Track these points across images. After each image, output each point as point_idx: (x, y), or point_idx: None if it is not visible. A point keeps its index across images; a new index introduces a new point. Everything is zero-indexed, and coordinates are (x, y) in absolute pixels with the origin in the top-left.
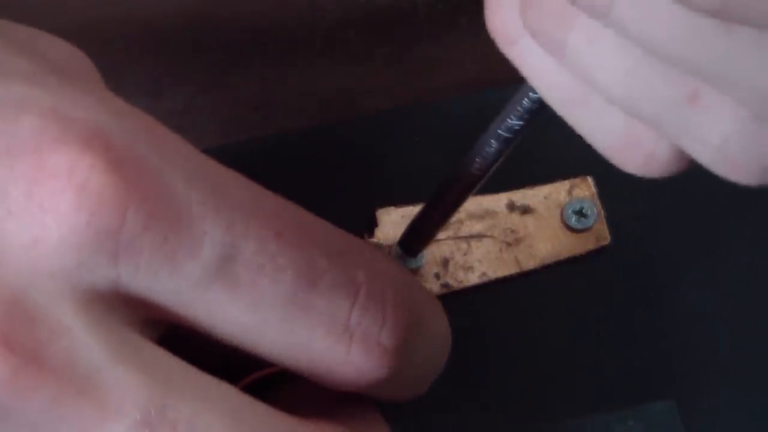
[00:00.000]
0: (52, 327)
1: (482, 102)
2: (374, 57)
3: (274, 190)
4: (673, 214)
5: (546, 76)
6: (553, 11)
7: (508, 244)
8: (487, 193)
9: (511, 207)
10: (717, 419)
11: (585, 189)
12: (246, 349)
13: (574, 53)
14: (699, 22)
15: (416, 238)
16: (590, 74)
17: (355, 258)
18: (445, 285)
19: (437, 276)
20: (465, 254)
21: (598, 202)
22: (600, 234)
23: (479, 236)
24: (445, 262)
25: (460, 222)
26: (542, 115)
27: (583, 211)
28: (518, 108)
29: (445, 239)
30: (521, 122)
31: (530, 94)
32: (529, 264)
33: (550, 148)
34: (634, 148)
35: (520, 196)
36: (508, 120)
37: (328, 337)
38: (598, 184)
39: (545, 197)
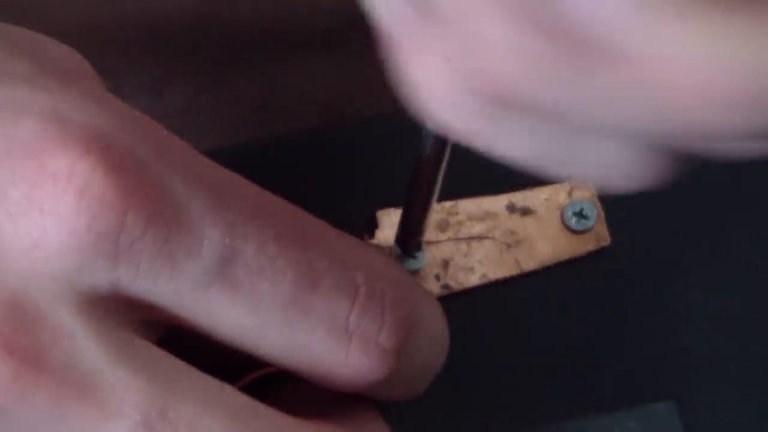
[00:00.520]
0: (52, 329)
1: None
2: (374, 57)
3: (274, 192)
4: (673, 215)
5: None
6: None
7: (509, 246)
8: (487, 194)
9: (512, 208)
10: (717, 420)
11: (585, 190)
12: (246, 350)
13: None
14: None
15: (407, 236)
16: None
17: (355, 259)
18: (446, 286)
19: (437, 277)
20: (465, 255)
21: (598, 204)
22: (600, 235)
23: (479, 238)
24: (446, 264)
25: (460, 223)
26: None
27: (583, 212)
28: None
29: (445, 241)
30: None
31: None
32: (530, 265)
33: None
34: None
35: (520, 197)
36: None
37: (327, 338)
38: None
39: (545, 199)
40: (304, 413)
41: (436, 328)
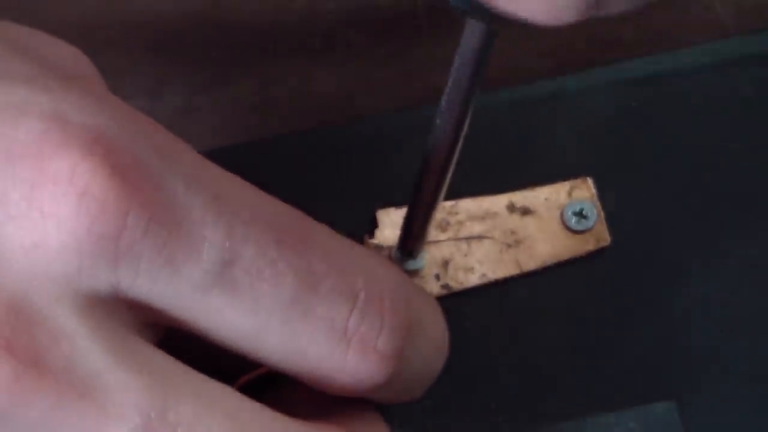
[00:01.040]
0: (52, 331)
1: (482, 103)
2: (374, 57)
3: (274, 192)
4: (673, 215)
5: None
6: None
7: (509, 246)
8: (487, 194)
9: (511, 208)
10: (717, 420)
11: (585, 190)
12: (245, 353)
13: None
14: None
15: (410, 238)
16: None
17: (354, 263)
18: (445, 286)
19: (437, 277)
20: (465, 255)
21: (598, 204)
22: (600, 235)
23: (479, 237)
24: (446, 264)
25: (461, 223)
26: (472, 88)
27: (583, 212)
28: (449, 79)
29: (445, 240)
30: (450, 92)
31: (457, 65)
32: (530, 265)
33: (550, 149)
34: None
35: (521, 197)
36: (445, 94)
37: (325, 342)
38: (598, 185)
39: (545, 198)
40: (303, 414)
41: (435, 331)
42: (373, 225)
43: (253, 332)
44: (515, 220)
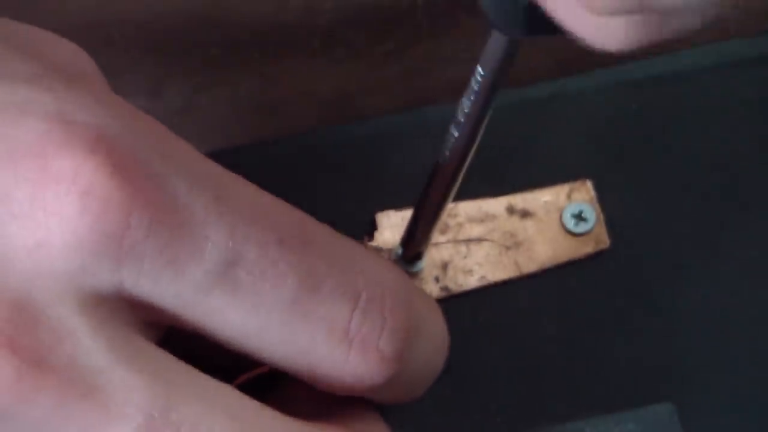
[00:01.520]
0: (55, 330)
1: None
2: (374, 56)
3: (274, 192)
4: (673, 218)
5: None
6: None
7: (508, 248)
8: (486, 196)
9: (511, 211)
10: (716, 422)
11: (584, 193)
12: (247, 352)
13: None
14: None
15: (412, 242)
16: None
17: (356, 264)
18: (445, 288)
19: (437, 279)
20: (464, 258)
21: (597, 206)
22: (599, 238)
23: (479, 240)
24: (445, 266)
25: (460, 225)
26: (492, 95)
27: (583, 214)
28: (469, 90)
29: (444, 243)
30: (470, 104)
31: (478, 76)
32: (529, 267)
33: (550, 152)
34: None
35: (520, 199)
36: (463, 103)
37: (327, 342)
38: (598, 187)
39: (545, 201)
40: (303, 413)
41: (436, 332)
42: (372, 227)
43: (255, 332)
44: (514, 223)
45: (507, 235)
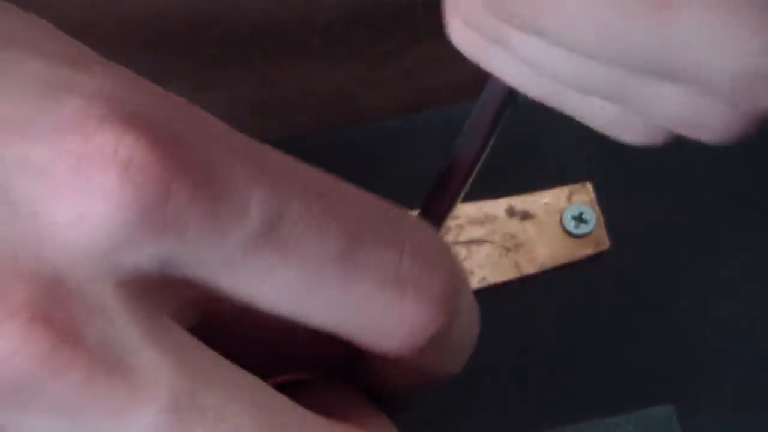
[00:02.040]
0: (89, 306)
1: None
2: (374, 56)
3: None
4: (672, 220)
5: (518, 78)
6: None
7: (508, 250)
8: (486, 198)
9: (511, 212)
10: (716, 424)
11: (584, 195)
12: (297, 318)
13: (526, 56)
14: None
15: None
16: (547, 72)
17: (394, 214)
18: None
19: None
20: (465, 259)
21: (597, 208)
22: (599, 239)
23: (479, 241)
24: None
25: (460, 227)
26: (506, 104)
27: (583, 216)
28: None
29: None
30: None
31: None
32: (529, 269)
33: (550, 154)
34: (624, 124)
35: (520, 201)
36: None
37: (380, 290)
38: (598, 189)
39: (545, 203)
40: None
41: (470, 289)
42: None
43: (305, 290)
44: (515, 224)
45: (507, 236)
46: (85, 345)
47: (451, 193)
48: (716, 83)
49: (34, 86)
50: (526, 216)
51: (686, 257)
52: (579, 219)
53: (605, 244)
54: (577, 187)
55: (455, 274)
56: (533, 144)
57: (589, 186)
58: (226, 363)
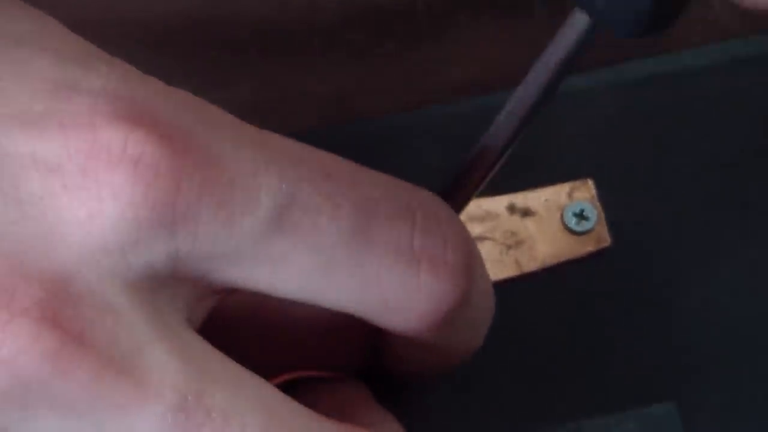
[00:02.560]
0: (99, 305)
1: (484, 105)
2: (374, 56)
3: None
4: (674, 217)
5: None
6: None
7: (509, 247)
8: (487, 195)
9: (512, 209)
10: (718, 422)
11: (585, 191)
12: (312, 301)
13: None
14: None
15: None
16: None
17: (402, 187)
18: None
19: None
20: None
21: (598, 205)
22: (600, 236)
23: (480, 238)
24: None
25: None
26: (553, 87)
27: (584, 213)
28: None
29: None
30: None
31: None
32: (530, 266)
33: (551, 150)
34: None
35: (521, 198)
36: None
37: (396, 266)
38: (599, 186)
39: (546, 200)
40: None
41: (483, 263)
42: None
43: (320, 271)
44: (515, 221)
45: (508, 233)
46: (92, 344)
47: (474, 182)
48: None
49: (42, 85)
50: (526, 213)
51: (687, 255)
52: (580, 216)
53: (606, 241)
54: (578, 184)
55: (469, 245)
56: (534, 141)
57: (590, 183)
58: (232, 363)
